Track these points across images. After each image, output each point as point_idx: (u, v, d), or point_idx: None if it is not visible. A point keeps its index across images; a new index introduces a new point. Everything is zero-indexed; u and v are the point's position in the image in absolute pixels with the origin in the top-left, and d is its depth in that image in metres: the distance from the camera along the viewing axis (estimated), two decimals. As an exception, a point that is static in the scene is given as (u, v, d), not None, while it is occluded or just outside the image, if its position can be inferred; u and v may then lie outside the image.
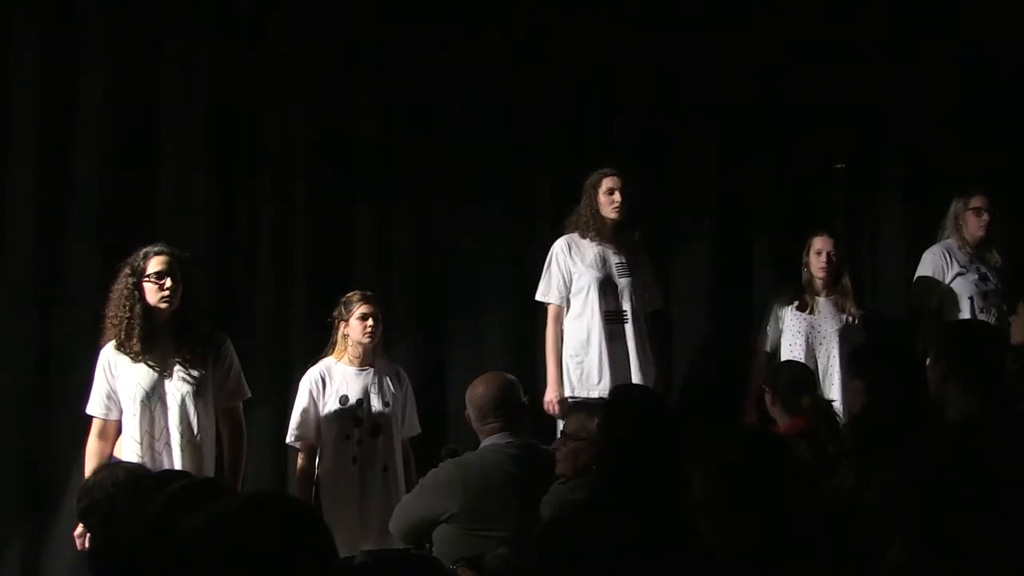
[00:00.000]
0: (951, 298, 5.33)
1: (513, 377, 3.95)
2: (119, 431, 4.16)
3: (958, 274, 5.35)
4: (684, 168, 6.01)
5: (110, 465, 3.38)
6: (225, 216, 5.48)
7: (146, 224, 5.08)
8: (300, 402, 4.69)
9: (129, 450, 4.09)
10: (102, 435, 4.16)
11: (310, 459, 4.68)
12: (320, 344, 4.88)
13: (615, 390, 3.69)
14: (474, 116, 5.80)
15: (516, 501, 3.53)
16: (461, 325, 5.71)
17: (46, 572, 4.99)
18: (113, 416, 4.15)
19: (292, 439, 4.72)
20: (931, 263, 5.40)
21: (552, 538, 2.86)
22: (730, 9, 5.93)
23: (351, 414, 4.61)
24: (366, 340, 4.66)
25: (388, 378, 4.72)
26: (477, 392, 3.83)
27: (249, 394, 4.34)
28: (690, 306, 5.91)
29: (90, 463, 4.12)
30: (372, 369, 4.70)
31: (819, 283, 5.30)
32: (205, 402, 4.15)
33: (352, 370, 4.69)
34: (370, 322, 4.65)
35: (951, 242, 5.43)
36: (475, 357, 5.54)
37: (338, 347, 4.71)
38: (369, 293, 4.74)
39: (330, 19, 5.67)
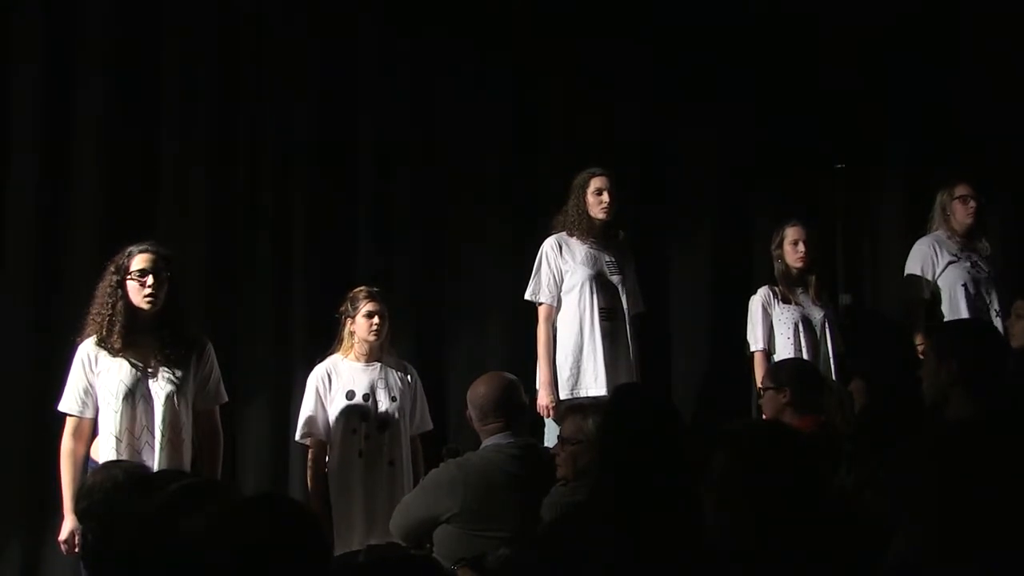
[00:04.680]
0: (944, 288, 5.32)
1: (514, 377, 3.94)
2: (94, 431, 4.07)
3: (950, 263, 5.34)
4: (684, 169, 6.01)
5: (109, 465, 3.33)
6: (225, 215, 5.47)
7: (146, 225, 5.06)
8: (307, 399, 4.69)
9: (107, 446, 3.98)
10: (76, 434, 4.05)
11: (320, 456, 4.67)
12: (320, 344, 4.88)
13: (619, 389, 3.64)
14: (474, 115, 5.80)
15: (517, 501, 3.52)
16: (461, 325, 5.70)
17: (46, 572, 4.99)
18: (88, 414, 4.05)
19: (300, 436, 4.72)
20: (920, 255, 5.40)
21: (553, 540, 2.86)
22: (729, 9, 5.93)
23: (357, 409, 4.60)
24: (371, 338, 4.65)
25: (396, 374, 4.72)
26: (478, 392, 3.82)
27: (226, 399, 4.31)
28: (690, 307, 5.91)
29: (65, 465, 4.02)
30: (379, 364, 4.69)
31: (796, 273, 5.26)
32: (186, 403, 4.10)
33: (359, 366, 4.68)
34: (376, 320, 4.65)
35: (940, 233, 5.43)
36: (475, 357, 5.53)
37: (345, 344, 4.71)
38: (375, 290, 4.73)
39: (330, 21, 5.68)
